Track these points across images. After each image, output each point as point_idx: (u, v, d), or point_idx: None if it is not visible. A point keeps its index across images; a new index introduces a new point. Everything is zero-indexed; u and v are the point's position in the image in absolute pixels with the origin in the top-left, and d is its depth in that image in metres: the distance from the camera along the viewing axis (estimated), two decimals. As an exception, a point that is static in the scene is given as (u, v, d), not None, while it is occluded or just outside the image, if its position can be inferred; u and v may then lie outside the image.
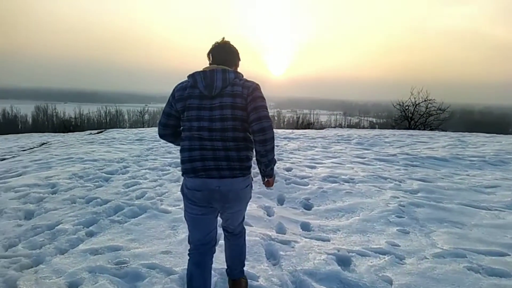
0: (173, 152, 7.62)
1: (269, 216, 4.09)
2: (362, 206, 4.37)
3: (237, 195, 2.07)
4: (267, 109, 2.05)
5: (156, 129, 14.71)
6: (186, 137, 2.05)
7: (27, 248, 3.14)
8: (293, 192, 4.94)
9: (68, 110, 70.44)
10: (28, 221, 3.81)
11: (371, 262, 2.98)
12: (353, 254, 3.12)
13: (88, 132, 15.55)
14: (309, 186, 5.15)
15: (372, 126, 62.63)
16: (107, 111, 76.08)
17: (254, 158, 2.17)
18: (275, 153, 2.19)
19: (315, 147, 8.67)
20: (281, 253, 3.09)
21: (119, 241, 3.27)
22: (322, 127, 26.38)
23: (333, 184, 5.19)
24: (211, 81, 1.99)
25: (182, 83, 2.10)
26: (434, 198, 4.68)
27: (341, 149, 8.34)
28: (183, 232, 3.46)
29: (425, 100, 20.45)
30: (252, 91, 2.01)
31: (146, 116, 39.88)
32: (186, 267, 2.74)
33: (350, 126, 64.92)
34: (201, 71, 2.06)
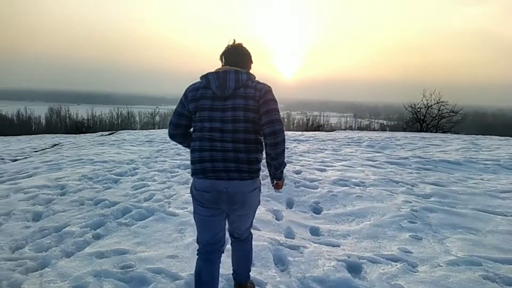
0: (182, 154, 7.60)
1: (278, 220, 4.02)
2: (373, 210, 4.27)
3: (244, 197, 2.06)
4: (279, 112, 2.05)
5: (166, 130, 14.77)
6: (197, 137, 2.05)
7: (34, 250, 3.13)
8: (302, 195, 4.86)
9: (81, 111, 71.34)
10: (36, 223, 3.80)
11: (383, 270, 2.89)
12: (364, 261, 3.03)
13: (100, 133, 15.69)
14: (319, 189, 5.06)
15: (382, 128, 62.02)
16: (119, 112, 76.85)
17: (263, 161, 2.14)
18: (285, 155, 2.20)
19: (325, 149, 8.56)
20: (290, 258, 3.02)
21: (126, 244, 3.24)
22: (332, 129, 26.21)
23: (343, 188, 5.10)
24: (224, 81, 1.99)
25: (194, 84, 2.10)
26: (448, 203, 4.56)
27: (351, 152, 8.22)
28: (190, 236, 3.41)
29: (437, 102, 20.16)
30: (264, 93, 2.01)
31: (157, 118, 40.08)
32: (192, 272, 2.70)
33: (360, 128, 64.38)
34: (214, 71, 2.05)
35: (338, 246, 3.38)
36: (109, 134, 13.80)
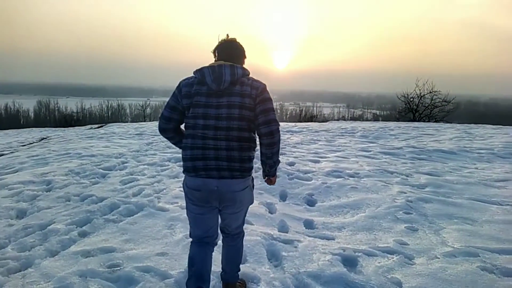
0: (173, 147, 7.40)
1: (271, 213, 3.93)
2: (368, 202, 4.20)
3: (235, 196, 2.05)
4: (274, 111, 2.06)
5: (156, 123, 14.57)
6: (189, 134, 2.02)
7: (16, 250, 2.99)
8: (296, 187, 4.77)
9: (70, 104, 70.25)
10: (20, 221, 3.66)
11: (379, 263, 2.82)
12: (360, 254, 2.95)
13: (89, 126, 15.43)
14: (313, 181, 4.97)
15: (375, 118, 62.22)
16: (109, 105, 75.97)
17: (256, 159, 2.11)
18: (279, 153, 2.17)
19: (319, 140, 8.47)
20: (284, 253, 2.92)
21: (113, 242, 3.11)
22: (325, 119, 26.16)
23: (338, 179, 5.01)
24: (220, 75, 1.95)
25: (188, 79, 2.05)
26: (443, 193, 4.50)
27: (345, 143, 8.14)
28: (181, 232, 3.30)
29: (430, 92, 20.15)
30: (261, 92, 2.00)
31: (148, 110, 39.61)
32: (183, 270, 2.63)
33: (353, 118, 64.52)
34: (209, 66, 2.01)
35: (333, 239, 3.30)
36: (98, 127, 13.56)
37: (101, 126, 13.90)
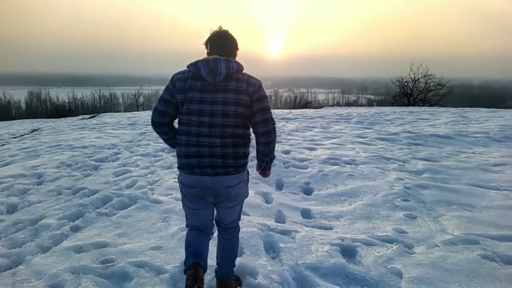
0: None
1: (268, 203, 3.86)
2: (365, 189, 4.15)
3: (230, 191, 2.03)
4: (270, 109, 2.06)
5: (150, 112, 14.37)
6: (183, 131, 1.98)
7: (7, 246, 2.90)
8: (292, 176, 4.70)
9: (61, 94, 69.16)
10: (10, 216, 3.56)
11: (378, 252, 2.77)
12: (358, 243, 2.90)
13: (81, 117, 15.20)
14: (309, 169, 4.91)
15: (370, 103, 62.17)
16: (101, 94, 75.06)
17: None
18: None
19: (314, 127, 8.40)
20: (281, 245, 2.86)
21: (106, 236, 3.03)
22: (320, 106, 26.07)
23: (334, 167, 4.95)
24: (215, 68, 1.91)
25: (182, 73, 2.00)
26: (441, 178, 4.46)
27: (341, 129, 8.07)
28: (175, 225, 3.22)
29: (424, 76, 20.11)
30: (257, 89, 1.98)
31: (141, 99, 39.11)
32: (178, 264, 2.57)
33: (348, 104, 64.49)
34: (203, 59, 1.96)
35: (331, 228, 3.25)
36: (90, 118, 13.37)
37: (93, 116, 13.70)
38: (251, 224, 3.20)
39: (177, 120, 2.07)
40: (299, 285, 2.39)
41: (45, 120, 15.96)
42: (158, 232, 3.11)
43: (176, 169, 2.10)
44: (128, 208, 3.63)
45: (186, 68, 2.00)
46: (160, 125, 2.08)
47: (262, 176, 2.32)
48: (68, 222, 3.35)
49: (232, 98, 1.93)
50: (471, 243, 2.87)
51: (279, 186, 4.45)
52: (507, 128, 7.52)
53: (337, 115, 10.59)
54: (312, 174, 4.70)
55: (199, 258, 2.07)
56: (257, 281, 2.39)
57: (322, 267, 2.54)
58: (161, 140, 2.23)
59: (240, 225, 2.35)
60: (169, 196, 3.93)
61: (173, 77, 2.01)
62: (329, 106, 22.83)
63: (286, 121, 9.50)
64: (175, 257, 2.67)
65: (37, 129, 11.21)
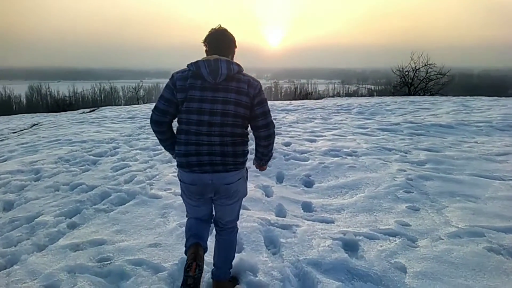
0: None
1: (268, 196, 3.80)
2: (367, 181, 4.08)
3: (228, 187, 2.03)
4: (270, 111, 2.12)
5: (150, 105, 14.26)
6: (182, 130, 1.99)
7: (2, 245, 2.85)
8: (292, 168, 4.64)
9: (62, 88, 68.89)
10: (7, 213, 3.51)
11: (381, 246, 2.71)
12: (361, 237, 2.84)
13: (81, 111, 15.13)
14: (310, 161, 4.84)
15: (370, 93, 61.81)
16: (101, 88, 74.75)
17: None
18: None
19: (315, 118, 8.30)
20: (282, 240, 2.80)
21: (104, 234, 2.97)
22: (320, 96, 25.91)
23: (335, 159, 4.88)
24: (216, 68, 1.91)
25: (182, 72, 1.99)
26: (443, 169, 4.39)
27: (341, 120, 7.98)
28: (174, 220, 3.17)
29: (425, 65, 19.93)
30: (258, 92, 2.01)
31: (141, 92, 38.84)
32: (177, 262, 2.54)
33: (348, 94, 64.13)
34: (204, 59, 1.96)
35: (333, 222, 3.19)
36: (90, 112, 13.29)
37: (93, 110, 13.62)
38: (251, 218, 3.14)
39: (176, 119, 2.08)
40: (300, 282, 2.34)
41: (46, 114, 15.89)
42: (157, 229, 3.05)
43: (175, 163, 2.09)
44: (126, 204, 3.58)
45: (186, 67, 1.99)
46: (161, 124, 2.06)
47: (259, 170, 2.37)
48: (65, 219, 3.29)
49: (233, 98, 1.94)
50: (476, 235, 2.81)
51: (280, 179, 4.39)
52: (510, 117, 7.42)
53: (338, 106, 10.48)
54: (313, 166, 4.63)
55: (199, 239, 2.10)
56: (257, 278, 2.33)
57: (324, 262, 2.48)
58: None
59: (238, 226, 2.30)
60: (168, 191, 3.87)
61: (173, 76, 1.99)
62: (330, 96, 22.66)
63: (286, 113, 9.40)
64: (173, 254, 2.62)
65: (37, 124, 11.15)
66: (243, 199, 2.26)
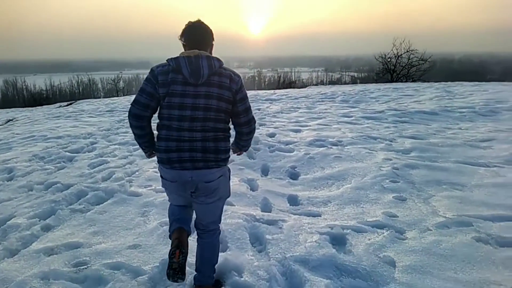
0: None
1: (253, 190, 3.69)
2: (353, 171, 4.02)
3: (208, 185, 1.96)
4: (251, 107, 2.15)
5: (129, 98, 13.89)
6: (163, 126, 1.94)
7: (-29, 252, 2.67)
8: (277, 160, 4.54)
9: (38, 82, 66.86)
10: (-24, 217, 3.30)
11: (369, 240, 2.64)
12: (348, 231, 2.77)
13: (58, 105, 14.64)
14: (295, 152, 4.75)
15: (353, 81, 62.15)
16: (79, 80, 72.83)
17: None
18: (257, 117, 2.11)
19: (299, 108, 8.21)
20: (268, 236, 2.70)
21: (80, 236, 2.82)
22: (304, 85, 25.83)
23: (321, 149, 4.80)
24: (197, 69, 1.86)
25: (163, 66, 1.93)
26: (429, 157, 4.36)
27: (326, 109, 7.91)
28: (155, 219, 3.03)
29: (407, 51, 20.06)
30: (240, 87, 1.99)
31: (121, 84, 37.80)
32: (157, 264, 2.41)
33: (332, 82, 64.31)
34: (185, 56, 1.89)
35: (319, 215, 3.11)
36: (67, 105, 12.87)
37: (70, 104, 13.20)
38: (235, 215, 3.02)
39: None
40: (287, 281, 2.25)
41: (21, 109, 15.31)
42: (136, 229, 2.91)
43: (156, 159, 2.03)
44: (104, 203, 3.41)
45: (165, 62, 1.92)
46: (141, 118, 1.98)
47: (237, 155, 2.46)
48: (39, 221, 3.11)
49: (215, 92, 1.89)
50: (464, 225, 2.78)
51: (265, 171, 4.28)
52: (492, 102, 7.49)
53: (322, 94, 10.42)
54: (298, 157, 4.54)
55: (183, 223, 2.08)
56: (243, 279, 2.23)
57: (311, 259, 2.39)
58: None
59: (220, 229, 2.19)
60: (149, 188, 3.72)
61: (153, 70, 1.92)
62: (313, 85, 22.62)
63: (270, 103, 9.28)
64: (154, 256, 2.49)
65: (12, 119, 10.72)
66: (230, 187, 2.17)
